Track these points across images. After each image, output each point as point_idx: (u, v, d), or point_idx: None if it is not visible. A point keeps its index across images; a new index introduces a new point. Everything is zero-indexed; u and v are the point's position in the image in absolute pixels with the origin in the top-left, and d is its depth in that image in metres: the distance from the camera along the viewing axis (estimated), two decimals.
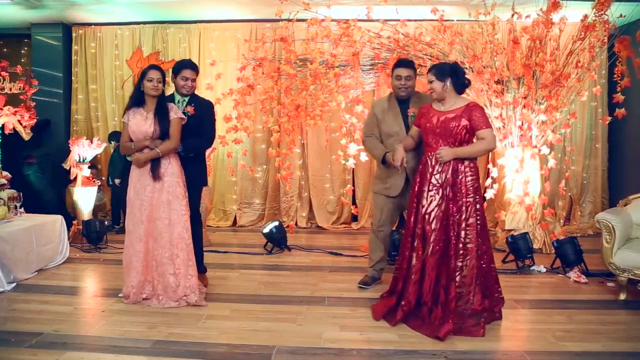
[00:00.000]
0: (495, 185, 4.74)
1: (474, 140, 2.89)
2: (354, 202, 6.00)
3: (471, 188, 2.84)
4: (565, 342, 2.63)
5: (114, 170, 5.54)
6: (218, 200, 6.26)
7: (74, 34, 6.32)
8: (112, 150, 5.73)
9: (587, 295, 3.47)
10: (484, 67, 4.57)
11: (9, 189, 4.22)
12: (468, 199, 2.82)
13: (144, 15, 5.97)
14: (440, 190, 2.86)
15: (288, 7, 4.55)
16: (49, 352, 2.45)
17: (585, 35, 4.33)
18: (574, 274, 3.83)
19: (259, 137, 6.15)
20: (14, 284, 3.50)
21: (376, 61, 5.01)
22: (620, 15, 4.32)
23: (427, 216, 2.86)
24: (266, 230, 4.79)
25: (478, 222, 2.83)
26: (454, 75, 2.89)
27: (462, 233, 2.79)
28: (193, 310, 3.10)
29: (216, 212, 6.26)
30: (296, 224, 6.05)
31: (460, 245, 2.79)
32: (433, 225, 2.83)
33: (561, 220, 5.84)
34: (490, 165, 5.06)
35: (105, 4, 5.51)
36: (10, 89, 4.80)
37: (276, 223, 4.89)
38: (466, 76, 2.97)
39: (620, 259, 3.34)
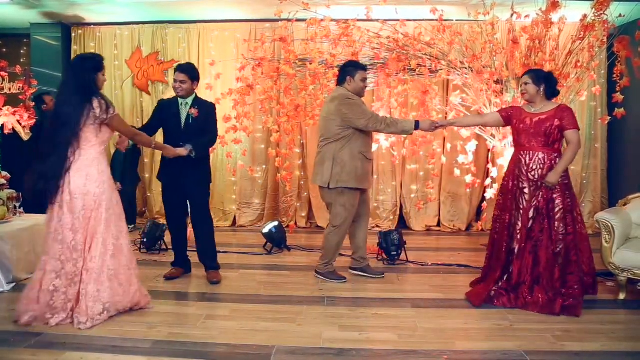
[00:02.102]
0: (495, 185, 4.74)
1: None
2: None
3: (563, 184, 3.16)
4: (565, 341, 2.64)
5: (115, 173, 5.52)
6: (217, 201, 6.25)
7: (73, 34, 6.31)
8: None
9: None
10: (484, 67, 4.58)
11: (9, 189, 4.22)
12: (562, 193, 3.15)
13: (143, 15, 5.97)
14: (538, 185, 3.18)
15: (287, 7, 4.55)
16: (49, 352, 2.44)
17: (584, 35, 4.33)
18: None
19: (258, 137, 6.15)
20: (14, 284, 3.49)
21: (376, 61, 5.00)
22: (620, 15, 4.32)
23: (526, 208, 3.19)
24: (266, 230, 4.79)
25: (572, 213, 3.17)
26: (547, 82, 3.23)
27: (556, 224, 3.13)
28: (193, 310, 3.11)
29: (215, 212, 6.24)
30: (295, 224, 6.05)
31: (553, 233, 3.13)
32: (531, 215, 3.17)
33: None
34: (490, 165, 5.07)
35: (105, 3, 5.50)
36: (10, 89, 4.80)
37: (276, 223, 4.89)
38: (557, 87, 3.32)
39: (619, 258, 3.34)
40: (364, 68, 3.74)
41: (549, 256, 3.12)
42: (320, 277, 3.76)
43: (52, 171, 2.77)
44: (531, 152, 3.21)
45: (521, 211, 3.22)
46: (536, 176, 3.18)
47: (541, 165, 3.17)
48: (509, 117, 3.38)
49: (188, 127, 3.56)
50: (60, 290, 2.76)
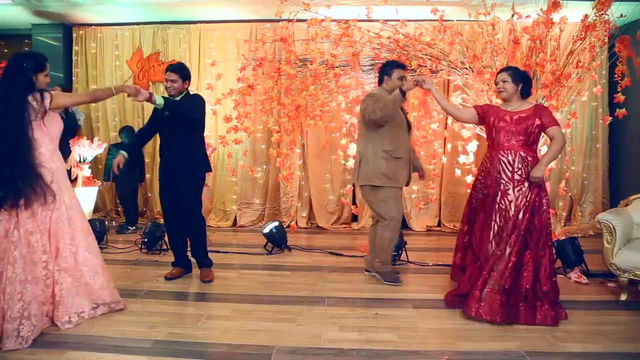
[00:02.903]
0: None
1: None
2: (354, 202, 5.99)
3: (543, 186, 3.10)
4: (566, 342, 2.63)
5: (107, 171, 5.58)
6: (218, 201, 6.26)
7: (74, 35, 6.34)
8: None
9: (587, 296, 3.47)
10: (484, 67, 4.57)
11: None
12: (546, 192, 3.10)
13: (144, 15, 5.98)
14: (526, 183, 3.06)
15: (288, 8, 4.55)
16: (49, 351, 2.45)
17: (585, 35, 4.33)
18: (574, 275, 3.82)
19: (259, 137, 6.15)
20: None
21: (376, 61, 5.00)
22: (621, 15, 4.32)
23: (515, 208, 3.04)
24: (266, 230, 4.79)
25: (549, 215, 3.09)
26: (525, 81, 3.16)
27: (545, 223, 3.04)
28: (193, 310, 3.11)
29: (216, 212, 6.26)
30: (296, 224, 6.05)
31: (544, 234, 3.02)
32: (520, 216, 3.02)
33: (561, 221, 5.84)
34: None
35: (106, 4, 5.51)
36: None
37: (276, 223, 4.88)
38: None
39: (621, 259, 3.33)
40: (400, 66, 3.69)
41: (538, 259, 2.97)
42: (377, 275, 3.73)
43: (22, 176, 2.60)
44: (512, 151, 3.08)
45: (499, 212, 3.07)
46: (523, 175, 3.06)
47: (525, 164, 3.06)
48: (484, 114, 3.25)
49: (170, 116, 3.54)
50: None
